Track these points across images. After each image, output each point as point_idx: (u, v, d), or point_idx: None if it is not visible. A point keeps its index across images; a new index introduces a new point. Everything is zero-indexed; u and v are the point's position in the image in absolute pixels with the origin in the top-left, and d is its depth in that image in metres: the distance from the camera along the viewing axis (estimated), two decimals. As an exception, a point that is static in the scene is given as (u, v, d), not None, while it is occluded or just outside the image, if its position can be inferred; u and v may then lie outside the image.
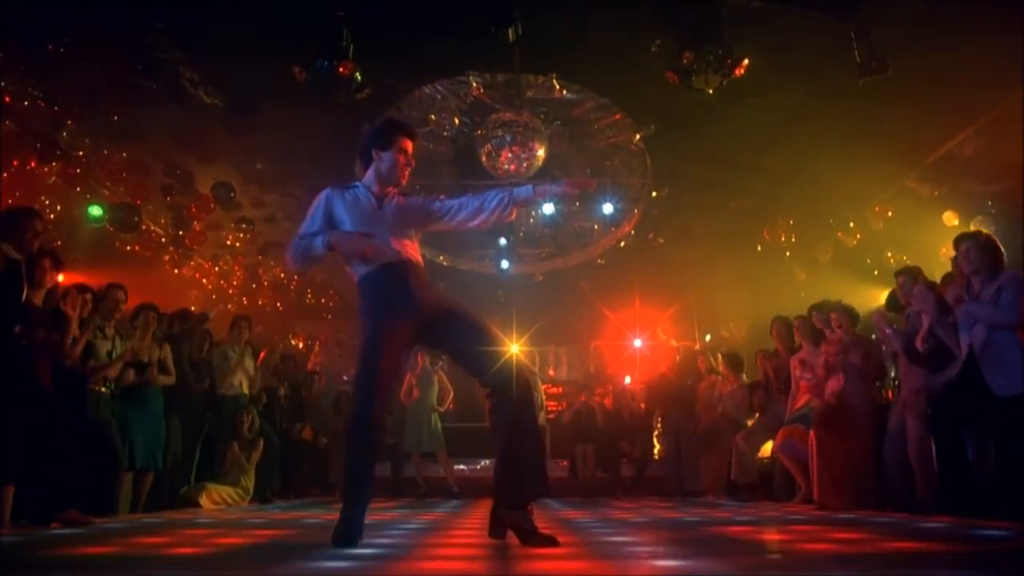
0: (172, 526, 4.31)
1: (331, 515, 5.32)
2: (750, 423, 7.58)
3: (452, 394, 9.26)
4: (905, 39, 7.13)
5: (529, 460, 3.13)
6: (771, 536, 3.67)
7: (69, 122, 8.65)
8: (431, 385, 8.81)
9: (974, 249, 4.46)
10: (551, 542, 2.96)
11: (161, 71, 7.69)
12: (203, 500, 6.42)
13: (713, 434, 7.83)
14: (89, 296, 5.22)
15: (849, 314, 5.81)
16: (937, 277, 5.43)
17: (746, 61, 7.29)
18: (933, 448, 4.58)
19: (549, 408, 11.64)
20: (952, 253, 4.79)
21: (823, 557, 2.70)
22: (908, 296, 5.41)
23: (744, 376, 7.97)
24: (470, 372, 3.24)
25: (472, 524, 4.49)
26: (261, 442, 7.12)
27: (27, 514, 4.25)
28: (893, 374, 5.88)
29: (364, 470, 3.18)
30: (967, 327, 4.40)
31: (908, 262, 9.65)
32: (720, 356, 8.40)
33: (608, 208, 11.62)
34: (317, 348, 10.30)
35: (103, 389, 5.28)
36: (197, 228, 11.27)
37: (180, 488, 6.46)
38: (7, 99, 7.92)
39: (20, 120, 8.28)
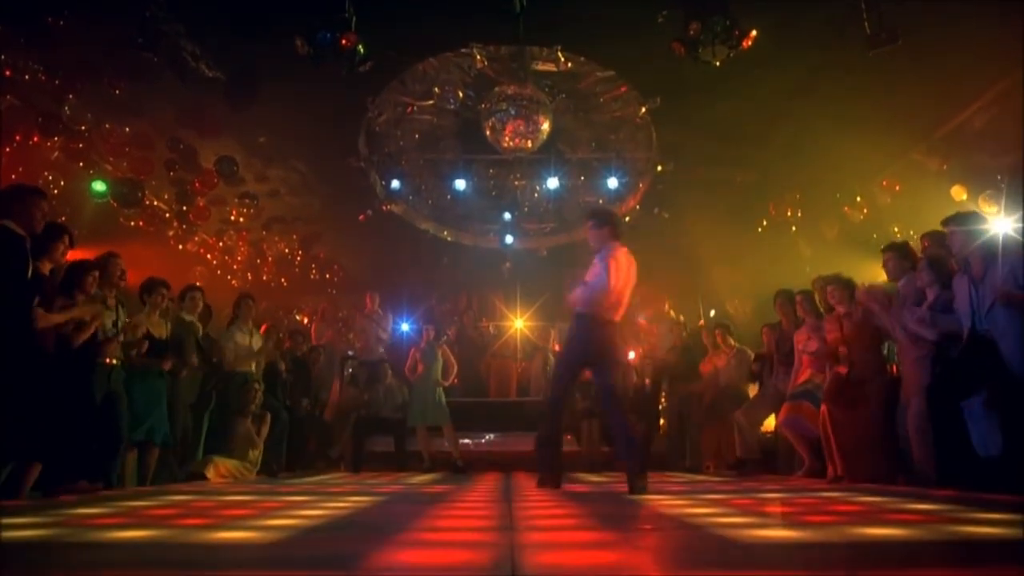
0: (179, 497, 4.35)
1: (336, 488, 5.38)
2: (751, 390, 7.61)
3: (456, 368, 9.28)
4: (916, 9, 7.00)
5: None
6: (774, 509, 3.69)
7: (71, 96, 8.60)
8: (435, 360, 8.84)
9: (958, 234, 4.46)
10: None
11: (162, 44, 7.62)
12: (210, 474, 6.49)
13: (715, 409, 7.85)
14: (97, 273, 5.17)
15: (846, 287, 5.75)
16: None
17: (754, 32, 7.18)
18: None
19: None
20: None
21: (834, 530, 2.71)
22: (895, 272, 5.37)
23: (743, 347, 8.00)
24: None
25: (476, 497, 4.53)
26: (268, 416, 7.17)
27: (36, 485, 4.29)
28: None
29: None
30: (968, 304, 4.35)
31: (915, 237, 9.59)
32: (716, 330, 8.43)
33: (613, 182, 11.54)
34: (317, 323, 10.29)
35: (113, 362, 5.29)
36: (201, 203, 11.25)
37: (187, 462, 6.52)
38: (8, 72, 7.87)
39: (21, 94, 8.24)
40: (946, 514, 3.10)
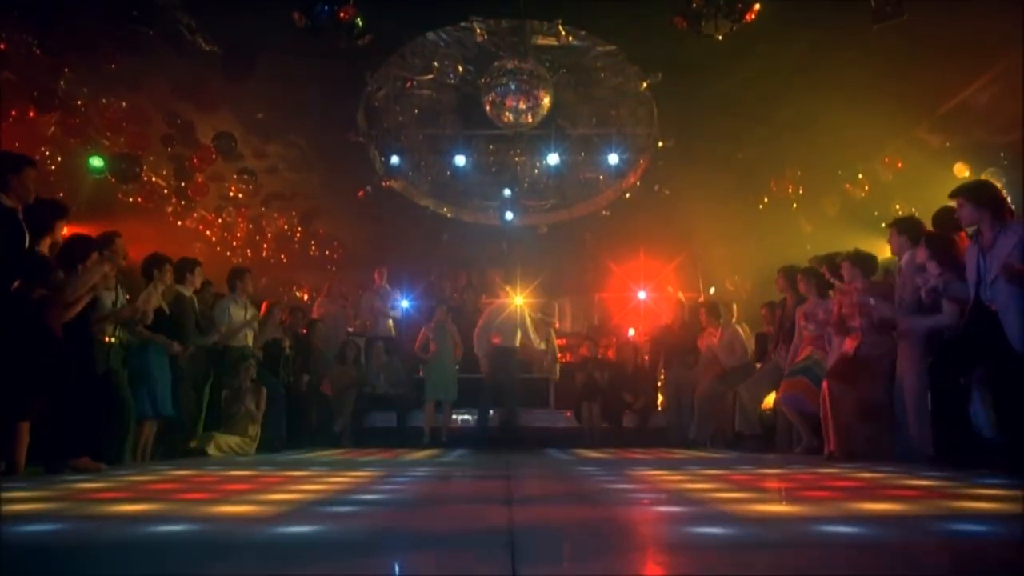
0: (180, 472, 4.38)
1: (336, 463, 5.41)
2: (757, 365, 7.63)
3: (461, 346, 9.30)
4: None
5: None
6: (772, 484, 3.72)
7: (66, 70, 8.50)
8: (447, 336, 8.91)
9: (966, 205, 4.36)
10: None
11: (157, 17, 7.52)
12: (211, 450, 6.52)
13: (713, 387, 7.87)
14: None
15: (862, 264, 5.63)
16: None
17: (757, 6, 7.09)
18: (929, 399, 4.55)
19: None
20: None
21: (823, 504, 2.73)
22: (898, 248, 5.31)
23: (737, 325, 7.99)
24: None
25: (474, 472, 4.56)
26: (263, 390, 7.17)
27: (41, 460, 4.32)
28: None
29: None
30: (975, 274, 4.29)
31: (917, 214, 9.57)
32: (700, 308, 8.43)
33: (614, 159, 11.45)
34: (321, 299, 10.29)
35: (111, 340, 5.27)
36: (199, 179, 11.18)
37: (188, 438, 6.54)
38: (2, 47, 7.77)
39: (17, 69, 8.14)
40: (942, 490, 3.13)
